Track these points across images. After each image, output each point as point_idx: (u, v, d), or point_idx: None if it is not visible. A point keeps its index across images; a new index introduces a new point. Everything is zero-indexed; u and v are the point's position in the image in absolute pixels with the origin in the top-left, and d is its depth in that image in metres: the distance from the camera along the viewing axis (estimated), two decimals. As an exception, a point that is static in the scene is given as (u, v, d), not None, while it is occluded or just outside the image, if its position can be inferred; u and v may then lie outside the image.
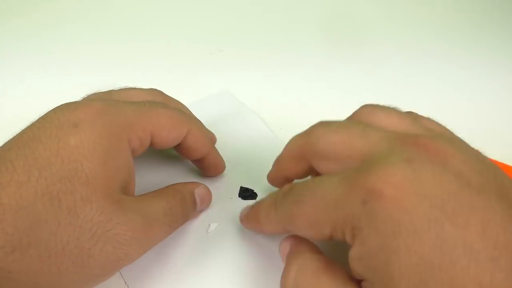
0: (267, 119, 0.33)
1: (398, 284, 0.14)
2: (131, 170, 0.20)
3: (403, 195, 0.14)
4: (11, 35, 0.46)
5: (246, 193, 0.27)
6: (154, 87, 0.26)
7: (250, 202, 0.26)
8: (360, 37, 0.48)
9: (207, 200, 0.25)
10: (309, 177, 0.22)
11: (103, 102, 0.20)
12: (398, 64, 0.43)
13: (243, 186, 0.27)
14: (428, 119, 0.20)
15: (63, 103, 0.20)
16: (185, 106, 0.27)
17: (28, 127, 0.19)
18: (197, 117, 0.27)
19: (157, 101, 0.23)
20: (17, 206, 0.16)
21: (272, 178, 0.24)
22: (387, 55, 0.44)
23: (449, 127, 0.36)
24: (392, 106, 0.20)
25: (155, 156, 0.29)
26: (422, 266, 0.13)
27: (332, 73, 0.41)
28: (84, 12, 0.52)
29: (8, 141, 0.19)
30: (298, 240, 0.20)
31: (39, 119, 0.19)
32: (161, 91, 0.26)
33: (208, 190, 0.25)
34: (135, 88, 0.25)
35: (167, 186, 0.23)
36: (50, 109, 0.20)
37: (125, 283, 0.22)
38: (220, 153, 0.27)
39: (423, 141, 0.16)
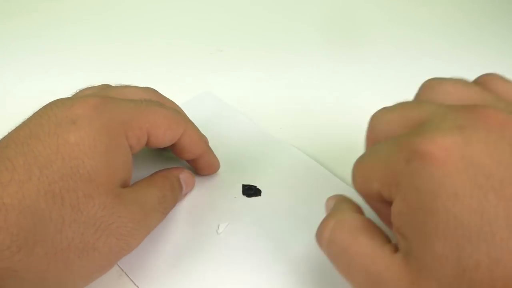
0: (267, 119, 0.33)
1: (434, 246, 0.14)
2: (130, 166, 0.21)
3: (448, 157, 0.14)
4: (11, 35, 0.46)
5: (250, 191, 0.27)
6: (154, 87, 0.27)
7: (255, 199, 0.27)
8: (360, 37, 0.48)
9: (191, 184, 0.26)
10: None
11: (100, 98, 0.20)
12: (398, 64, 0.43)
13: (244, 184, 0.27)
14: (505, 83, 0.19)
15: (57, 98, 0.20)
16: (178, 106, 0.27)
17: (23, 123, 0.19)
18: None
19: (153, 99, 0.24)
20: (20, 205, 0.16)
21: None
22: (387, 55, 0.44)
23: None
24: (458, 77, 0.19)
25: (148, 151, 0.29)
26: (460, 231, 0.13)
27: (332, 73, 0.41)
28: (84, 12, 0.52)
29: (4, 138, 0.18)
30: (343, 198, 0.20)
31: (34, 115, 0.19)
32: (156, 90, 0.26)
33: (192, 174, 0.26)
34: (130, 85, 0.25)
35: (154, 174, 0.24)
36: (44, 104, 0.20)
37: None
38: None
39: (481, 109, 0.15)
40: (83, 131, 0.18)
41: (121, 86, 0.25)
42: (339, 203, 0.20)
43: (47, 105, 0.20)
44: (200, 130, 0.27)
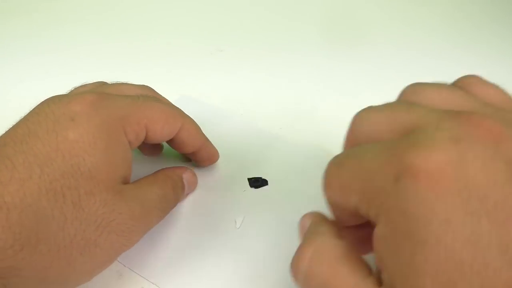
0: (267, 119, 0.33)
1: (422, 281, 0.12)
2: (130, 162, 0.21)
3: (443, 179, 0.12)
4: (11, 35, 0.46)
5: (257, 183, 0.28)
6: (154, 87, 0.27)
7: (264, 189, 0.27)
8: (360, 37, 0.48)
9: (194, 184, 0.26)
10: None
11: (96, 94, 0.20)
12: (398, 64, 0.43)
13: (250, 177, 0.28)
14: (488, 86, 0.18)
15: (53, 95, 0.20)
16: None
17: (21, 121, 0.19)
18: None
19: (150, 95, 0.24)
20: (22, 204, 0.16)
21: None
22: (387, 55, 0.44)
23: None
24: (440, 82, 0.18)
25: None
26: (451, 263, 0.12)
27: (332, 73, 0.41)
28: (84, 12, 0.52)
29: (1, 136, 0.18)
30: (320, 219, 0.18)
31: (31, 113, 0.19)
32: (151, 88, 0.26)
33: (194, 174, 0.26)
34: (126, 83, 0.25)
35: (157, 172, 0.24)
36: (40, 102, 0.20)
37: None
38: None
39: (476, 118, 0.14)
40: (82, 128, 0.18)
41: (117, 83, 0.25)
42: (316, 225, 0.18)
43: (43, 102, 0.20)
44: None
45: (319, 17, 0.51)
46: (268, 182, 0.28)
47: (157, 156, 0.28)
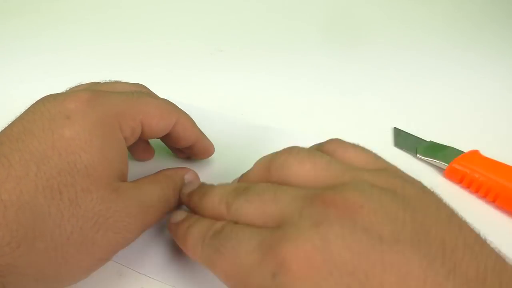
0: (267, 119, 0.33)
1: None
2: (126, 158, 0.21)
3: (312, 267, 0.14)
4: (11, 35, 0.46)
5: None
6: (154, 87, 0.27)
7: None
8: (360, 37, 0.48)
9: (196, 185, 0.26)
10: None
11: (91, 92, 0.20)
12: (398, 64, 0.43)
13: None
14: (348, 150, 0.19)
15: (48, 94, 0.20)
16: None
17: (16, 120, 0.19)
18: None
19: (144, 91, 0.24)
20: (19, 201, 0.16)
21: None
22: (387, 55, 0.44)
23: (449, 127, 0.36)
24: (305, 150, 0.19)
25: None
26: None
27: (332, 73, 0.41)
28: (84, 12, 0.52)
29: None
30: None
31: (26, 111, 0.19)
32: (145, 86, 0.26)
33: (197, 175, 0.26)
34: (120, 81, 0.25)
35: (159, 172, 0.24)
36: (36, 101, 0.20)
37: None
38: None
39: (330, 197, 0.15)
40: (77, 126, 0.18)
41: (111, 81, 0.25)
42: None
43: (38, 100, 0.20)
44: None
45: (319, 17, 0.51)
46: None
47: (149, 160, 0.28)
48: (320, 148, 0.20)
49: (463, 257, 0.13)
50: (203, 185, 0.22)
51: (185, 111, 0.25)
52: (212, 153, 0.28)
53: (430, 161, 0.30)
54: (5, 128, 0.19)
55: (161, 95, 0.27)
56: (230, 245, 0.17)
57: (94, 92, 0.20)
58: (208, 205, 0.20)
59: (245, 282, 0.16)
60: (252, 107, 0.35)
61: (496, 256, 0.14)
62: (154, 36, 0.47)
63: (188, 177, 0.25)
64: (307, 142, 0.31)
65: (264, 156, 0.20)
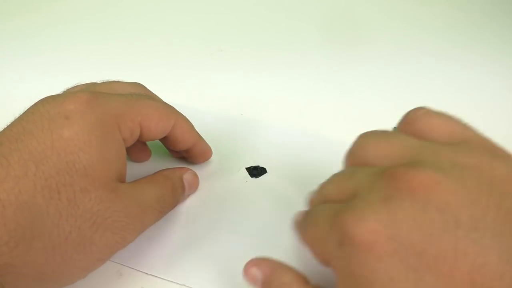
0: (267, 119, 0.33)
1: None
2: (124, 158, 0.21)
3: (376, 241, 0.13)
4: (11, 35, 0.46)
5: (255, 171, 0.28)
6: (154, 87, 0.27)
7: (265, 176, 0.28)
8: (360, 37, 0.48)
9: (195, 184, 0.26)
10: None
11: (90, 93, 0.20)
12: (398, 64, 0.43)
13: (247, 167, 0.28)
14: (432, 119, 0.18)
15: (48, 95, 0.20)
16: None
17: (16, 121, 0.19)
18: None
19: (142, 93, 0.24)
20: (17, 201, 0.16)
21: None
22: (387, 55, 0.44)
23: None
24: (382, 131, 0.19)
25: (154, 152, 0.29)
26: None
27: (332, 73, 0.41)
28: (84, 12, 0.52)
29: None
30: (275, 268, 0.18)
31: (26, 112, 0.19)
32: (143, 85, 0.26)
33: (196, 175, 0.26)
34: (117, 81, 0.25)
35: (157, 172, 0.24)
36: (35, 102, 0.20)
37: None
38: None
39: (402, 171, 0.14)
40: (77, 126, 0.18)
41: (109, 81, 0.25)
42: (277, 276, 0.18)
43: (38, 102, 0.20)
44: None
45: (319, 17, 0.51)
46: (267, 170, 0.28)
47: (145, 161, 0.28)
48: (404, 118, 0.19)
49: None
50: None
51: (183, 113, 0.25)
52: (210, 156, 0.28)
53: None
54: (5, 129, 0.19)
55: (161, 95, 0.27)
56: (311, 220, 0.18)
57: (93, 93, 0.20)
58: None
59: (320, 249, 0.16)
60: (252, 107, 0.35)
61: None
62: (154, 36, 0.47)
63: (186, 177, 0.25)
64: (307, 142, 0.31)
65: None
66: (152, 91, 0.26)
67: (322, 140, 0.31)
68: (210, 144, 0.27)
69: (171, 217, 0.24)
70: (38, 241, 0.16)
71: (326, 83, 0.39)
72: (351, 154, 0.19)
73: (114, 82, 0.25)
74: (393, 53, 0.45)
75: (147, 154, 0.28)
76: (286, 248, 0.23)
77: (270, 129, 0.32)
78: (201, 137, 0.27)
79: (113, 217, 0.18)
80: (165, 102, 0.24)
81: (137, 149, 0.27)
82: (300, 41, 0.47)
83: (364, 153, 0.18)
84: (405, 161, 0.16)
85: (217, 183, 0.27)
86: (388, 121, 0.35)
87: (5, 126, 0.19)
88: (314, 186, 0.20)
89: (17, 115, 0.19)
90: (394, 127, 0.33)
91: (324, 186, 0.19)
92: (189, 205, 0.26)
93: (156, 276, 0.22)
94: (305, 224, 0.18)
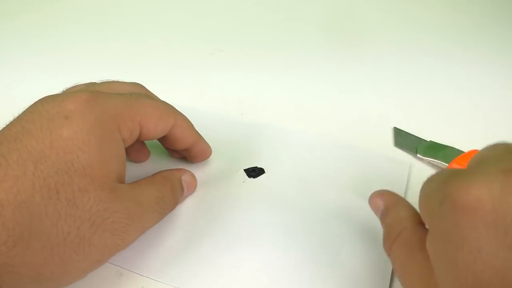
0: (267, 119, 0.33)
1: None
2: (123, 159, 0.21)
3: (478, 209, 0.13)
4: (11, 35, 0.46)
5: (253, 172, 0.28)
6: (154, 87, 0.27)
7: (263, 177, 0.28)
8: (360, 37, 0.48)
9: (193, 186, 0.26)
10: None
11: (90, 92, 0.20)
12: (398, 64, 0.43)
13: (245, 168, 0.28)
14: None
15: (47, 95, 0.20)
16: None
17: (15, 120, 0.19)
18: None
19: (142, 93, 0.24)
20: (16, 200, 0.16)
21: None
22: (387, 55, 0.44)
23: (449, 127, 0.36)
24: None
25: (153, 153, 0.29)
26: None
27: (332, 73, 0.41)
28: (84, 12, 0.52)
29: None
30: (395, 201, 0.20)
31: (25, 112, 0.19)
32: (142, 85, 0.26)
33: (194, 176, 0.26)
34: (117, 80, 0.25)
35: (156, 173, 0.24)
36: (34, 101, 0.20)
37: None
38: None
39: None
40: (76, 126, 0.18)
41: (108, 81, 0.25)
42: (396, 209, 0.20)
43: (37, 101, 0.20)
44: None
45: (319, 17, 0.51)
46: (265, 170, 0.28)
47: (144, 162, 0.28)
48: None
49: None
50: None
51: (183, 113, 0.25)
52: (209, 155, 0.28)
53: (430, 161, 0.30)
54: (4, 128, 0.19)
55: (161, 95, 0.27)
56: (430, 178, 0.17)
57: (93, 93, 0.20)
58: None
59: (425, 203, 0.17)
60: (252, 107, 0.35)
61: None
62: (154, 36, 0.47)
63: (185, 178, 0.25)
64: (307, 142, 0.31)
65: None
66: (152, 91, 0.26)
67: (320, 141, 0.31)
68: (212, 146, 0.27)
69: (168, 218, 0.24)
70: (37, 241, 0.16)
71: (326, 83, 0.39)
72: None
73: (113, 82, 0.24)
74: (393, 53, 0.45)
75: (145, 154, 0.28)
76: (284, 249, 0.23)
77: (269, 130, 0.32)
78: (201, 136, 0.26)
79: (113, 217, 0.18)
80: (165, 102, 0.24)
81: (136, 149, 0.27)
82: (300, 41, 0.47)
83: None
84: None
85: (214, 184, 0.27)
86: (388, 121, 0.35)
87: (4, 126, 0.19)
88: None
89: (17, 115, 0.19)
90: (394, 127, 0.33)
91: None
92: (187, 206, 0.25)
93: (154, 279, 0.22)
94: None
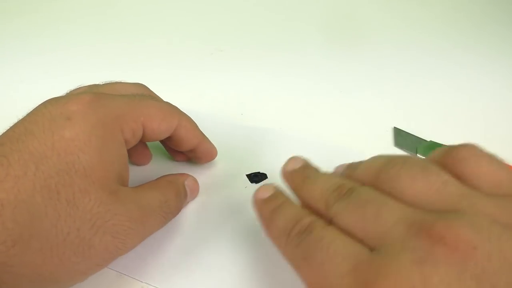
0: (268, 119, 0.33)
1: None
2: (125, 160, 0.21)
3: None
4: (11, 35, 0.46)
5: (256, 178, 0.28)
6: (154, 87, 0.27)
7: (264, 182, 0.28)
8: (360, 37, 0.48)
9: (196, 190, 0.26)
10: None
11: (93, 94, 0.20)
12: (398, 64, 0.43)
13: (248, 173, 0.28)
14: (481, 163, 0.16)
15: (51, 97, 0.20)
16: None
17: (18, 122, 0.19)
18: None
19: (145, 94, 0.24)
20: (16, 200, 0.16)
21: None
22: (387, 55, 0.44)
23: (449, 127, 0.36)
24: (420, 164, 0.17)
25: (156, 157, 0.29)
26: None
27: (332, 73, 0.41)
28: (84, 12, 0.52)
29: None
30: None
31: (29, 113, 0.19)
32: (145, 86, 0.26)
33: (196, 181, 0.26)
34: (120, 82, 0.25)
35: (160, 178, 0.24)
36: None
37: None
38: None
39: (439, 230, 0.13)
40: (78, 127, 0.18)
41: (111, 82, 0.25)
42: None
43: (41, 103, 0.20)
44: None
45: (319, 17, 0.51)
46: (268, 176, 0.28)
47: (146, 165, 0.28)
48: (449, 152, 0.17)
49: None
50: (307, 166, 0.21)
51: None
52: (215, 156, 0.28)
53: (430, 161, 0.30)
54: (7, 130, 0.19)
55: (161, 95, 0.27)
56: (319, 258, 0.15)
57: (96, 95, 0.20)
58: (306, 195, 0.19)
59: (328, 278, 0.15)
60: (252, 107, 0.35)
61: None
62: (154, 36, 0.47)
63: (188, 183, 0.25)
64: (307, 142, 0.31)
65: (379, 156, 0.18)
66: (152, 91, 0.26)
67: (322, 145, 0.31)
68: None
69: (169, 224, 0.24)
70: (36, 241, 0.16)
71: (326, 83, 0.39)
72: (381, 175, 0.17)
73: (116, 83, 0.24)
74: (393, 53, 0.45)
75: (148, 157, 0.28)
76: None
77: (270, 134, 0.32)
78: (206, 136, 0.26)
79: (114, 220, 0.18)
80: (168, 102, 0.24)
81: (139, 151, 0.27)
82: (300, 41, 0.47)
83: (395, 185, 0.16)
84: (441, 208, 0.15)
85: (217, 189, 0.27)
86: (388, 121, 0.35)
87: (8, 127, 0.19)
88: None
89: (17, 115, 0.19)
90: (394, 127, 0.33)
91: (341, 212, 0.17)
92: (188, 212, 0.25)
93: (153, 286, 0.22)
94: (304, 249, 0.16)
